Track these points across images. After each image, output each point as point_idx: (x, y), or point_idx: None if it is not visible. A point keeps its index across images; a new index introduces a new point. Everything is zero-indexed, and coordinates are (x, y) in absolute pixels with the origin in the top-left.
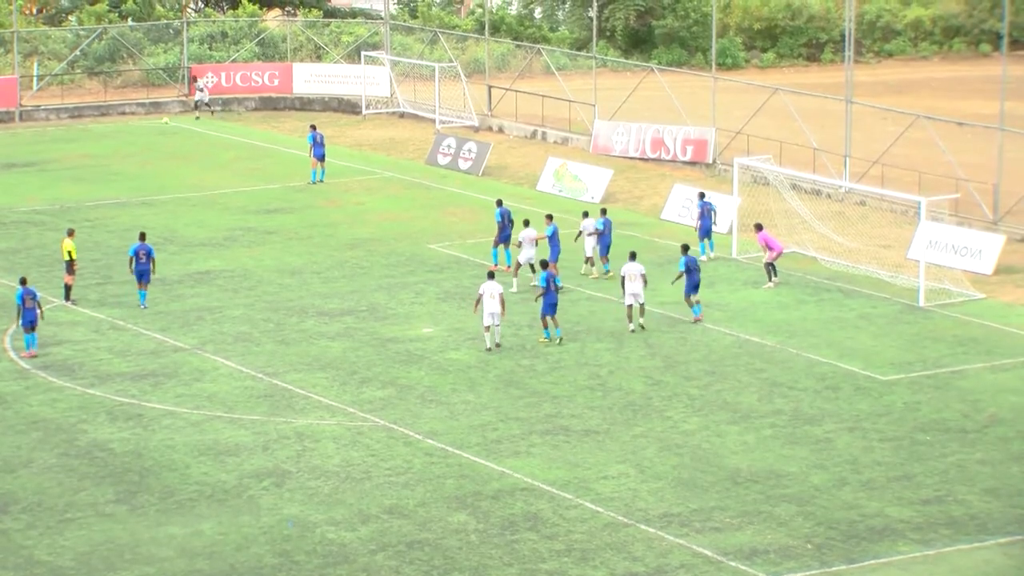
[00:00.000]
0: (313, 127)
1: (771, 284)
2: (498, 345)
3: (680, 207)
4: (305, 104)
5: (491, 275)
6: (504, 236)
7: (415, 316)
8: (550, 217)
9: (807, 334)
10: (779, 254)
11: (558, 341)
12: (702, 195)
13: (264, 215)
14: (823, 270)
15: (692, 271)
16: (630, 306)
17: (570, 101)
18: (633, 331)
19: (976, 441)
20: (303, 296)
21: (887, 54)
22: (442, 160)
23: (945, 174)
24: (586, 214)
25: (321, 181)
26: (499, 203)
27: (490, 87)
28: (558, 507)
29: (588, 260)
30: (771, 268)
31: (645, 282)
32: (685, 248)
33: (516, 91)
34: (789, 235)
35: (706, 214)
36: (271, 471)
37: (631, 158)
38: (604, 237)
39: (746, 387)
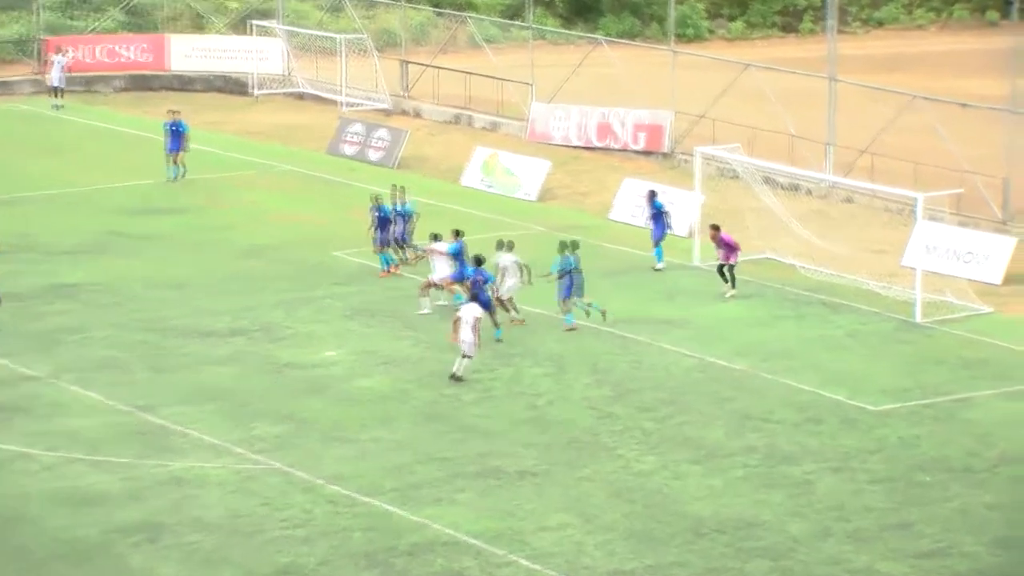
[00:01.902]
0: (172, 113)
1: (732, 291)
2: (457, 378)
3: (632, 205)
4: (184, 84)
5: (474, 297)
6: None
7: (317, 337)
8: (458, 233)
9: (784, 356)
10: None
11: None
12: (653, 194)
13: (139, 217)
14: (803, 280)
15: (573, 273)
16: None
17: (501, 80)
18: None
19: (984, 482)
20: (184, 314)
21: (876, 23)
22: (348, 150)
23: (946, 166)
24: (502, 243)
25: (173, 180)
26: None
27: (405, 63)
28: (487, 564)
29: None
30: (732, 273)
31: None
32: (563, 246)
33: (437, 67)
34: (762, 239)
35: (659, 218)
36: (143, 524)
37: (574, 147)
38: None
39: (712, 420)
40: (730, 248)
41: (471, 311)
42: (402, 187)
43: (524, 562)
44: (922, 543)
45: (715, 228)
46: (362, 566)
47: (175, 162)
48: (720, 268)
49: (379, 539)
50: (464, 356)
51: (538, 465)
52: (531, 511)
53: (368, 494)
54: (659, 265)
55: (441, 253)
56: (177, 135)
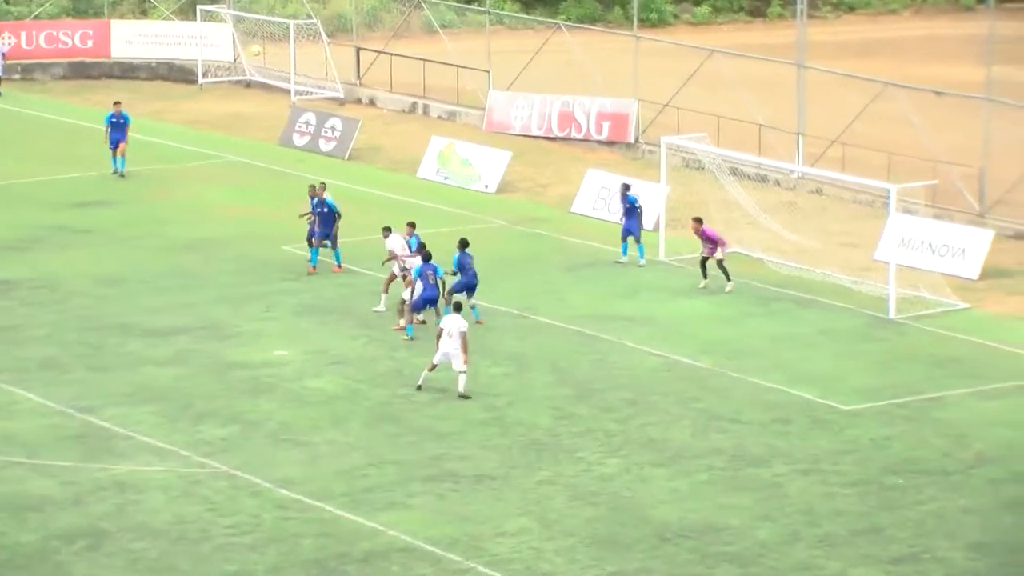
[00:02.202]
0: (116, 105)
1: (730, 286)
2: (466, 396)
3: (595, 197)
4: (127, 71)
5: (457, 307)
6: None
7: (266, 335)
8: (412, 225)
9: (752, 354)
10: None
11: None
12: (626, 188)
13: (78, 210)
14: (772, 275)
15: (466, 269)
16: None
17: (458, 67)
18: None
19: (959, 485)
20: (126, 311)
21: (848, 7)
22: (299, 140)
23: (920, 156)
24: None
25: (116, 173)
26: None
27: (359, 49)
28: (444, 571)
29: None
30: (721, 267)
31: (464, 342)
32: (463, 243)
33: (391, 54)
34: (729, 231)
35: (632, 212)
36: (85, 531)
37: (534, 137)
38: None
39: (677, 420)
40: (712, 242)
41: (455, 323)
42: (322, 183)
43: (482, 569)
44: (895, 548)
45: (698, 221)
46: (313, 574)
47: (118, 154)
48: (703, 261)
49: (331, 546)
50: (460, 372)
51: (497, 468)
52: (489, 516)
53: (319, 499)
54: (641, 262)
55: (407, 258)
56: (120, 127)
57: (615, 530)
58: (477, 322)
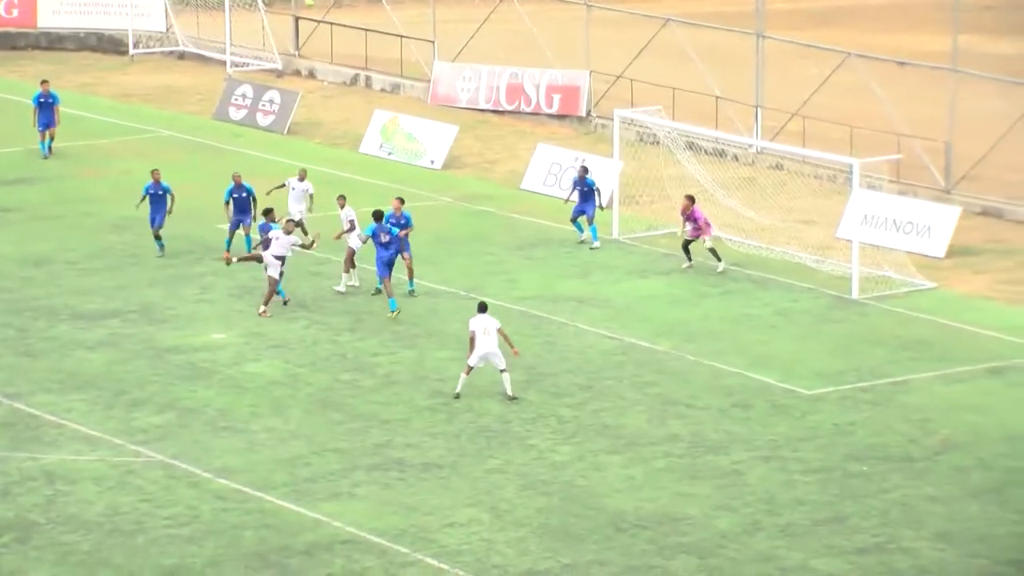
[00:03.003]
0: (44, 84)
1: (722, 265)
2: (513, 398)
3: (546, 173)
4: (54, 41)
5: (483, 307)
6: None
7: (201, 318)
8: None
9: (709, 337)
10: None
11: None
12: (585, 171)
13: (1, 188)
14: (730, 253)
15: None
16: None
17: (402, 37)
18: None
19: (925, 472)
20: (53, 294)
21: None
22: (235, 114)
23: (883, 129)
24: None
25: (46, 157)
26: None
27: (297, 19)
28: (391, 564)
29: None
30: (712, 251)
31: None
32: (378, 215)
33: (331, 24)
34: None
35: (590, 195)
36: (12, 523)
37: (481, 110)
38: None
39: (632, 406)
40: (697, 224)
41: (488, 322)
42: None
43: (430, 561)
44: (859, 538)
45: (690, 199)
46: (254, 567)
47: (47, 137)
48: (686, 244)
49: (272, 538)
50: (503, 371)
51: (444, 456)
52: (437, 506)
53: (259, 488)
54: (595, 244)
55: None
56: (48, 108)
57: (568, 520)
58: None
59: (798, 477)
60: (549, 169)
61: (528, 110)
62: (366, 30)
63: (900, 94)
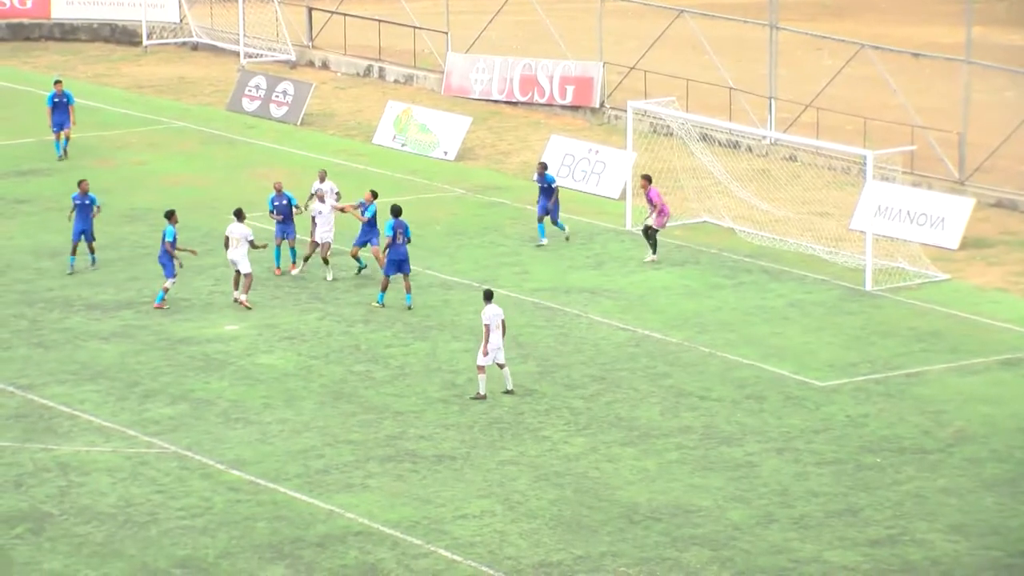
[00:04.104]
0: (57, 83)
1: (653, 257)
2: (510, 391)
3: (559, 164)
4: (67, 33)
5: (489, 295)
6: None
7: (215, 310)
8: (374, 194)
9: (723, 328)
10: (667, 219)
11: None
12: (544, 167)
13: (14, 179)
14: (743, 245)
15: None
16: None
17: (415, 28)
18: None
19: (939, 464)
20: (67, 285)
21: None
22: (248, 105)
23: (897, 120)
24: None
25: (61, 157)
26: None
27: (311, 10)
28: (403, 556)
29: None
30: (653, 237)
31: (504, 331)
32: (396, 211)
33: (344, 15)
34: (698, 200)
35: (548, 191)
36: (26, 514)
37: (495, 102)
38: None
39: (645, 398)
40: (653, 207)
41: (497, 313)
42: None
43: (443, 552)
44: (872, 530)
45: (646, 179)
46: (267, 558)
47: (62, 137)
48: (646, 230)
49: (285, 529)
50: (502, 366)
51: (457, 448)
52: (450, 498)
53: (272, 480)
54: (542, 240)
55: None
56: (62, 108)
57: (581, 512)
58: (377, 305)
59: (811, 469)
60: (562, 160)
61: (541, 101)
62: (379, 21)
63: (914, 85)
